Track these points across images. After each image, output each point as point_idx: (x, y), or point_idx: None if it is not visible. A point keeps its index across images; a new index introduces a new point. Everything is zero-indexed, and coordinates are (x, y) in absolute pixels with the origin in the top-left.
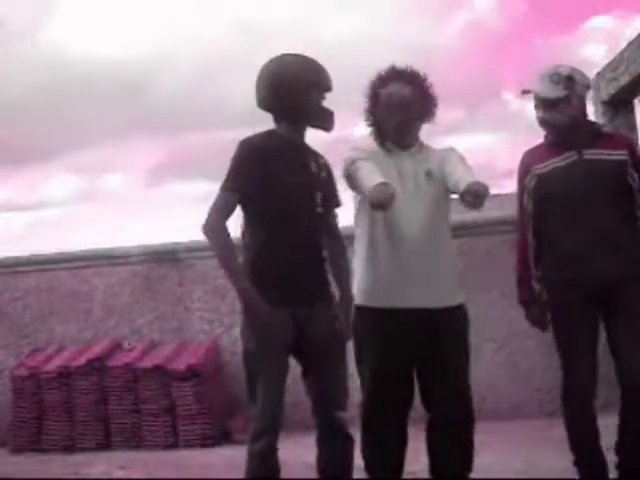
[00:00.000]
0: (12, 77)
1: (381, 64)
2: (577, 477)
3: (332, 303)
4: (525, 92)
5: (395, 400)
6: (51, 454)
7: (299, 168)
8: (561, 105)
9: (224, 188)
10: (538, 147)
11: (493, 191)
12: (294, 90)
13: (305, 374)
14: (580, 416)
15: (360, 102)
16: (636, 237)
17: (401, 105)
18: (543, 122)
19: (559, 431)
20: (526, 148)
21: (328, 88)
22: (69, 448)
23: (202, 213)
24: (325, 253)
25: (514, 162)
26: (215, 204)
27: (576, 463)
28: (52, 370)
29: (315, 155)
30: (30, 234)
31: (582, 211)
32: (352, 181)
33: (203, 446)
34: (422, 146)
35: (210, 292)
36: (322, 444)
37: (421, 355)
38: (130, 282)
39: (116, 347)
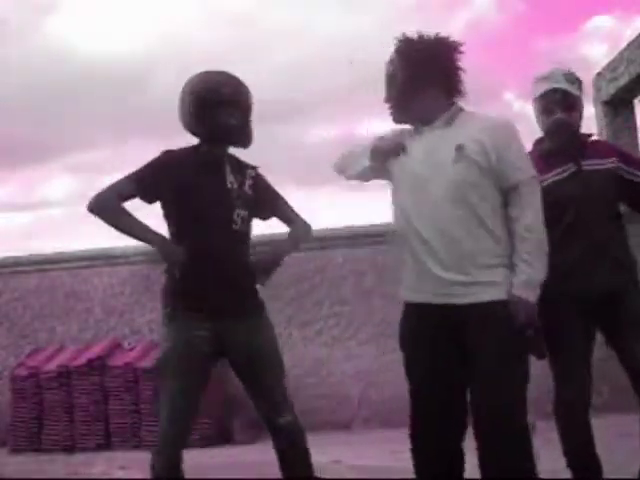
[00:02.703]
0: (11, 77)
1: (380, 64)
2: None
3: (261, 315)
4: (545, 94)
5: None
6: (51, 454)
7: (214, 185)
8: (578, 106)
9: (125, 176)
10: (532, 158)
11: None
12: (199, 110)
13: (243, 384)
14: (574, 428)
15: (359, 99)
16: (627, 248)
17: (388, 78)
18: (560, 124)
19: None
20: (526, 148)
21: (240, 104)
22: (69, 448)
23: None
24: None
25: None
26: (109, 184)
27: (570, 467)
28: (52, 370)
29: (241, 170)
30: (30, 234)
31: (582, 224)
32: (346, 170)
33: (202, 446)
34: (454, 117)
35: None
36: (276, 451)
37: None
38: (130, 282)
39: (116, 347)
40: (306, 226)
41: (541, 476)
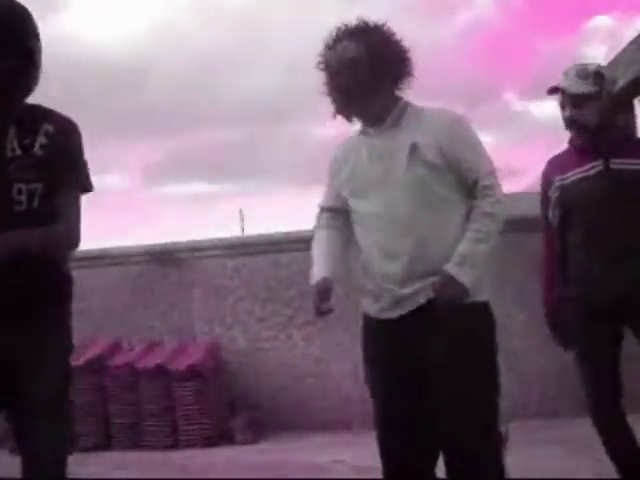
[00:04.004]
0: None
1: None
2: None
3: (47, 325)
4: (552, 91)
5: None
6: None
7: None
8: (590, 102)
9: None
10: (561, 154)
11: None
12: None
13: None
14: (612, 432)
15: None
16: None
17: (345, 68)
18: (570, 121)
19: (558, 431)
20: (526, 148)
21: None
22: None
23: (198, 213)
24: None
25: (514, 162)
26: None
27: (620, 472)
28: None
29: (35, 128)
30: None
31: (605, 226)
32: None
33: (203, 446)
34: (402, 115)
35: (210, 292)
36: None
37: None
38: (130, 282)
39: (116, 347)
40: (65, 232)
41: (547, 475)
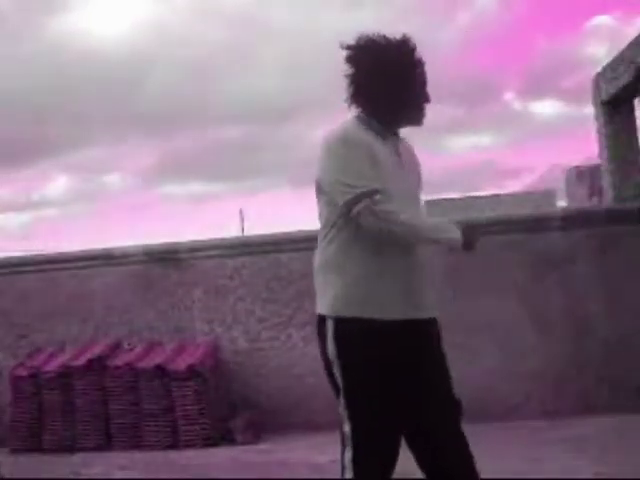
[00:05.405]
0: (10, 77)
1: None
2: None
3: None
4: None
5: None
6: (51, 454)
7: None
8: None
9: None
10: None
11: (493, 191)
12: None
13: None
14: None
15: None
16: None
17: (423, 78)
18: None
19: (558, 432)
20: (526, 148)
21: None
22: (69, 448)
23: (198, 213)
24: None
25: (514, 162)
26: None
27: None
28: (52, 370)
29: None
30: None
31: None
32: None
33: (203, 446)
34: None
35: (210, 292)
36: None
37: None
38: (130, 282)
39: (116, 347)
40: None
41: (546, 475)
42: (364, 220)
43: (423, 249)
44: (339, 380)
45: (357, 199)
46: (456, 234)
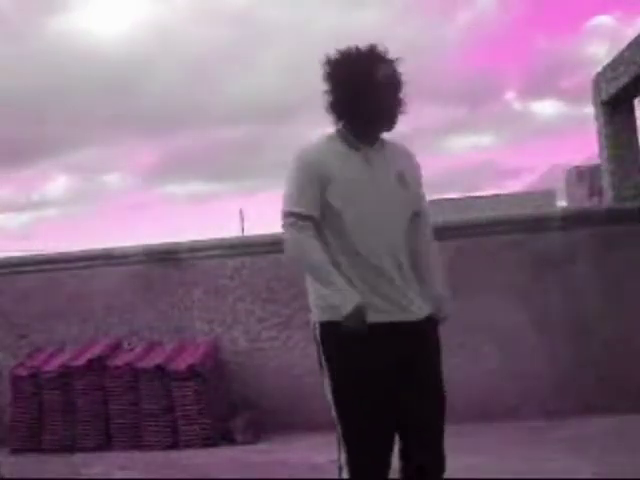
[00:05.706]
0: (10, 77)
1: None
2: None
3: None
4: None
5: None
6: (51, 454)
7: None
8: None
9: None
10: None
11: (493, 191)
12: None
13: None
14: None
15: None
16: None
17: (401, 84)
18: None
19: (558, 432)
20: (526, 148)
21: None
22: (69, 448)
23: (198, 213)
24: None
25: (514, 162)
26: None
27: None
28: (52, 370)
29: None
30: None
31: None
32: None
33: (203, 446)
34: (384, 142)
35: (210, 292)
36: None
37: None
38: (130, 282)
39: (116, 347)
40: None
41: (546, 475)
42: (284, 235)
43: (396, 255)
44: (327, 382)
45: (287, 214)
46: (339, 302)
